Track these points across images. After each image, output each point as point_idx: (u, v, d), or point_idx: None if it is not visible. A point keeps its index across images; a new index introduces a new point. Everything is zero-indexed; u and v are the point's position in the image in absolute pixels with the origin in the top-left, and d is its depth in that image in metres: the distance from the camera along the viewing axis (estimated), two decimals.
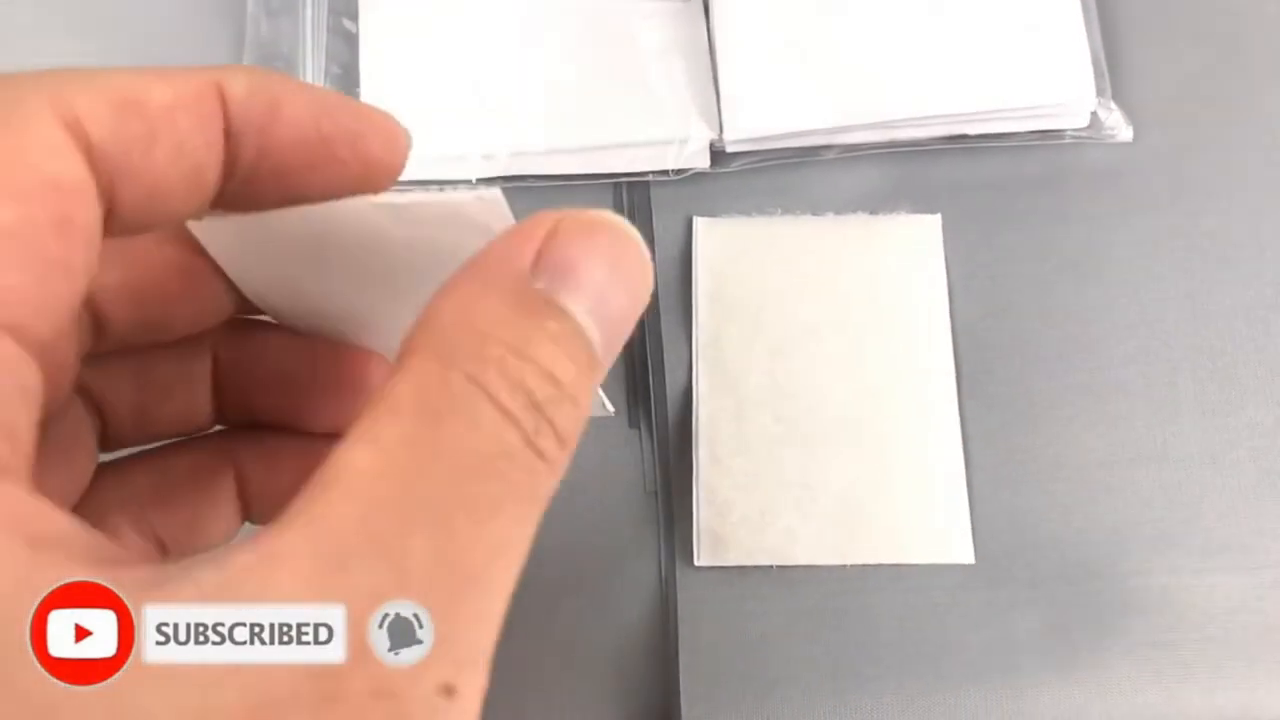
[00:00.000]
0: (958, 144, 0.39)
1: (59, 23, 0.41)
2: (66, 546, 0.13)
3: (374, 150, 0.18)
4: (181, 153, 0.17)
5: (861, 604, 0.36)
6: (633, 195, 0.39)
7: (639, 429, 0.37)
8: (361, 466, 0.14)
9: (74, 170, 0.15)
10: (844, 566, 0.35)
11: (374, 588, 0.13)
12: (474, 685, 0.14)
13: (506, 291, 0.16)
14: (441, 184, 0.38)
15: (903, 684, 0.35)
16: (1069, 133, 0.38)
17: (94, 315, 0.19)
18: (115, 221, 0.16)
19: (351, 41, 0.39)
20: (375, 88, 0.39)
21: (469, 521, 0.14)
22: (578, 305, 0.16)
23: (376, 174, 0.19)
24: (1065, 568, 0.36)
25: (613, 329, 0.16)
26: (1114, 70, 0.39)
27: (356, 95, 0.39)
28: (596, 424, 0.36)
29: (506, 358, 0.15)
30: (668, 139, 0.39)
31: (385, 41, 0.39)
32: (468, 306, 0.16)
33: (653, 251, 0.38)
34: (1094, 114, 0.38)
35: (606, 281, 0.16)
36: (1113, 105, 0.38)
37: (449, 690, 0.14)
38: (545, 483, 0.15)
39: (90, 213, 0.15)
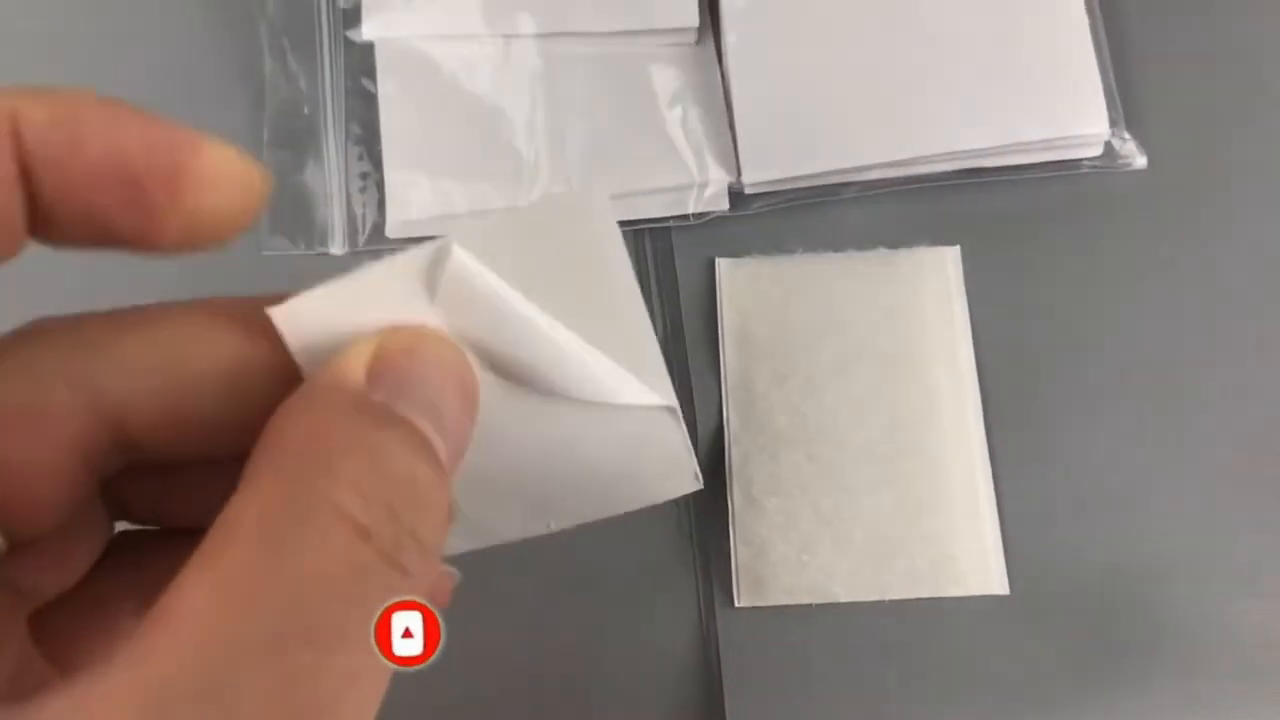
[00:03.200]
0: (974, 178, 0.39)
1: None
2: None
3: (204, 198, 0.16)
4: None
5: (899, 637, 0.36)
6: (655, 241, 0.40)
7: None
8: (195, 598, 0.13)
9: None
10: (881, 602, 0.36)
11: None
12: None
13: (349, 406, 0.15)
14: None
15: (941, 714, 0.35)
16: (1084, 163, 0.39)
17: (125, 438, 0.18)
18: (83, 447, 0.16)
19: (371, 101, 0.40)
20: (396, 145, 0.39)
21: (315, 651, 0.13)
22: (418, 413, 0.16)
23: (205, 225, 0.16)
24: (1098, 598, 0.36)
25: (454, 433, 0.16)
26: (1126, 100, 0.39)
27: (378, 154, 0.39)
28: None
29: (361, 471, 0.14)
30: (687, 184, 0.39)
31: (403, 100, 0.40)
32: (313, 423, 0.15)
33: (677, 295, 0.39)
34: (1108, 144, 0.39)
35: (439, 388, 0.16)
36: (1126, 135, 0.39)
37: None
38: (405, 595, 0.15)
39: None
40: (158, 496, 0.20)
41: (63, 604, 0.18)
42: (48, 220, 0.16)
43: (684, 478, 0.21)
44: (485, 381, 0.18)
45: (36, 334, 0.16)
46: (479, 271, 0.17)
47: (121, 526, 0.20)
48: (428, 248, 0.17)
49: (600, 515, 0.21)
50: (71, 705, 0.12)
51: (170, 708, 0.12)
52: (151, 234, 0.16)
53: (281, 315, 0.17)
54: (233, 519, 0.14)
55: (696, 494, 0.37)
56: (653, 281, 0.39)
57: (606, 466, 0.20)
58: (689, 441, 0.21)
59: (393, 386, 0.16)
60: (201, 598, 0.13)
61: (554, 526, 0.21)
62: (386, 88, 0.40)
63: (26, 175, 0.15)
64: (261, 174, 0.17)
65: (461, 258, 0.17)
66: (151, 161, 0.15)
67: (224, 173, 0.16)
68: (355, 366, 0.16)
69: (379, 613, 0.14)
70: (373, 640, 0.14)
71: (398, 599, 0.14)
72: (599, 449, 0.20)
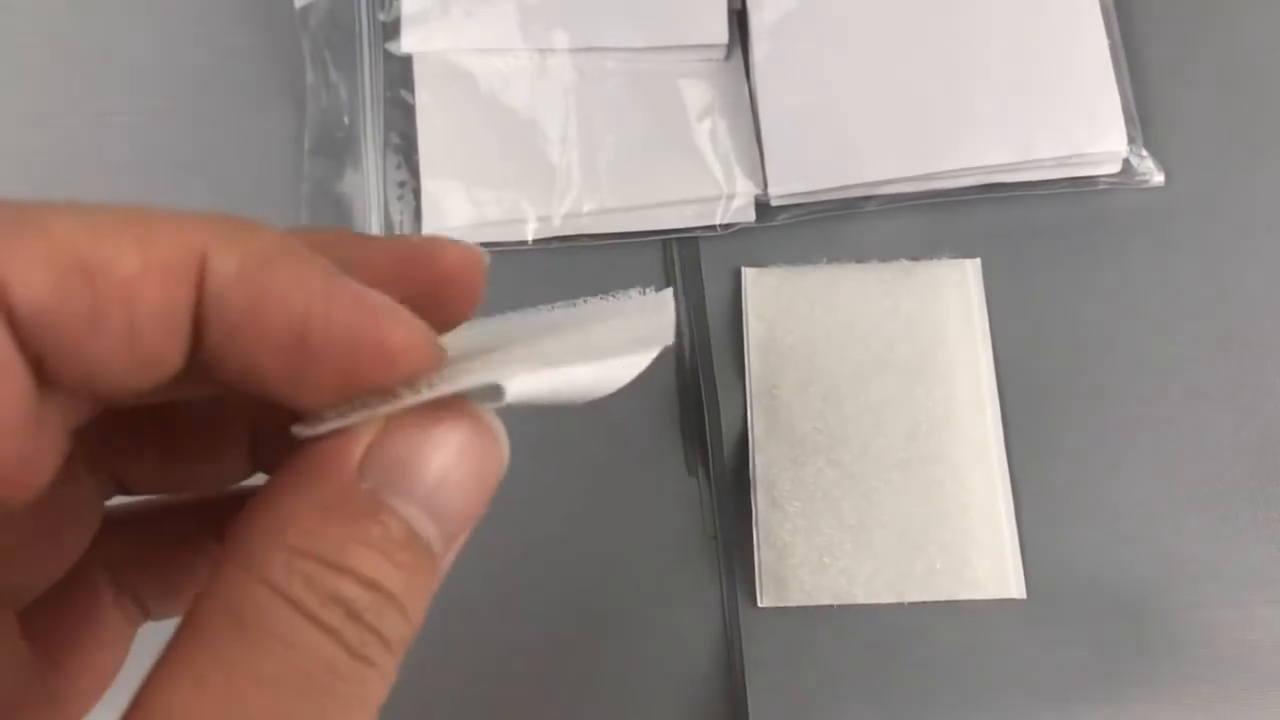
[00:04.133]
0: (995, 193, 0.40)
1: (115, 102, 0.43)
2: None
3: (376, 371, 0.15)
4: (134, 338, 0.14)
5: (918, 640, 0.37)
6: (682, 250, 0.41)
7: (697, 476, 0.38)
8: (170, 697, 0.13)
9: None
10: (900, 604, 0.37)
11: None
12: None
13: (326, 496, 0.15)
14: (500, 246, 0.40)
15: (958, 715, 0.36)
16: (1102, 180, 0.40)
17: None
18: (49, 394, 0.14)
19: (409, 112, 0.41)
20: (433, 155, 0.41)
21: None
22: (409, 505, 0.15)
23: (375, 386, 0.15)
24: (1114, 602, 0.37)
25: (453, 524, 0.15)
26: (1144, 118, 0.40)
27: (416, 163, 0.41)
28: (656, 472, 0.38)
29: (316, 570, 0.14)
30: (714, 195, 0.40)
31: (440, 111, 0.41)
32: (280, 515, 0.14)
33: (704, 304, 0.40)
34: (1126, 161, 0.40)
35: (445, 474, 0.15)
36: (1144, 152, 0.40)
37: None
38: (376, 688, 0.14)
39: (10, 388, 0.13)
40: (148, 460, 0.19)
41: (45, 596, 0.18)
42: (201, 366, 0.15)
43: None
44: None
45: None
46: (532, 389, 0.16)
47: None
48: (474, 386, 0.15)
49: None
50: None
51: None
52: (303, 395, 0.15)
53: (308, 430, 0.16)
54: (201, 613, 0.14)
55: (722, 498, 0.38)
56: (680, 290, 0.40)
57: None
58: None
59: (385, 471, 0.15)
60: (182, 701, 0.13)
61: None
62: (424, 99, 0.41)
63: (200, 325, 0.14)
64: (433, 337, 0.16)
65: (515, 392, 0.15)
66: (334, 332, 0.15)
67: (410, 343, 0.15)
68: (350, 448, 0.15)
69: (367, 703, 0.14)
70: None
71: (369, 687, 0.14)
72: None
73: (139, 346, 0.14)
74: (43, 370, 0.13)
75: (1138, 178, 0.40)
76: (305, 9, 0.42)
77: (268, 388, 0.15)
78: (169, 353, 0.14)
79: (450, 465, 0.15)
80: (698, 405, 0.39)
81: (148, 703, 0.13)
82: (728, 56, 0.42)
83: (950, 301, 0.40)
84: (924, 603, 0.37)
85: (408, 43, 0.41)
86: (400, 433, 0.15)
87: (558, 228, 0.40)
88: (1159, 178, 0.40)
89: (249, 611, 0.14)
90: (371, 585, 0.14)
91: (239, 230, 0.14)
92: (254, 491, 0.15)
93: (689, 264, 0.41)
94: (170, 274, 0.14)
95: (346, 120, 0.42)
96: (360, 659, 0.14)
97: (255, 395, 0.15)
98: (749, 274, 0.40)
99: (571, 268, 0.41)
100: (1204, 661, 0.36)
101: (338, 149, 0.41)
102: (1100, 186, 0.40)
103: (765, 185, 0.40)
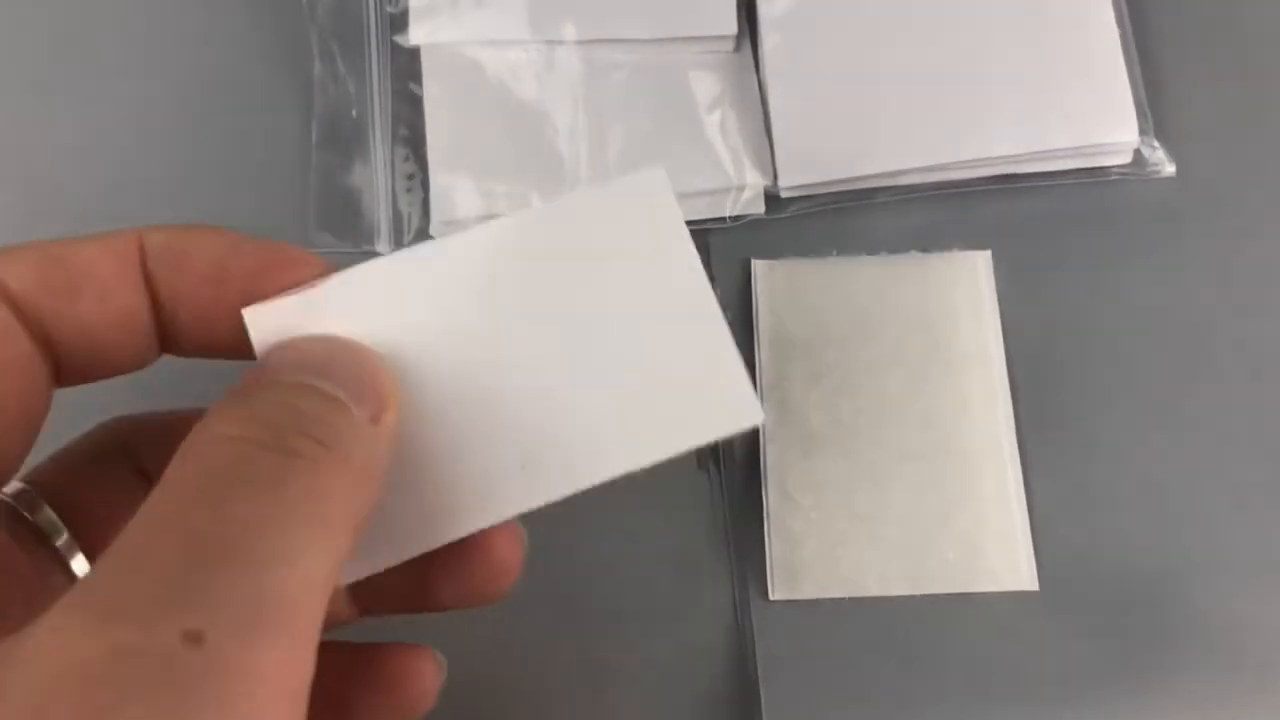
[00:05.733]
0: (1006, 184, 0.40)
1: (122, 96, 0.43)
2: None
3: (277, 283, 0.21)
4: (105, 297, 0.20)
5: (931, 632, 0.37)
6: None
7: (707, 469, 0.38)
8: (127, 532, 0.16)
9: None
10: (913, 596, 0.37)
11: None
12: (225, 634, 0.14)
13: (233, 391, 0.19)
14: None
15: (971, 709, 0.36)
16: (1113, 170, 0.40)
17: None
18: (66, 363, 0.20)
19: (417, 105, 0.41)
20: (441, 148, 0.40)
21: (211, 511, 0.16)
22: (304, 374, 0.19)
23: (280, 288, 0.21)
24: (1127, 593, 0.37)
25: (353, 376, 0.19)
26: (1156, 108, 0.40)
27: (424, 156, 0.40)
28: (666, 465, 0.38)
29: (235, 409, 0.18)
30: (724, 187, 0.40)
31: (448, 103, 0.41)
32: (216, 408, 0.18)
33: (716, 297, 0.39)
34: (1137, 152, 0.40)
35: (318, 356, 0.20)
36: (1156, 143, 0.40)
37: (195, 637, 0.14)
38: (310, 480, 0.17)
39: (15, 347, 0.19)
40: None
41: None
42: (174, 335, 0.21)
43: (744, 407, 0.21)
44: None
45: None
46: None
47: None
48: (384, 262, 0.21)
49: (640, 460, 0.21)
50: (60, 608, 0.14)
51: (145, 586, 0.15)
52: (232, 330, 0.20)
53: (251, 315, 0.20)
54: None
55: (733, 491, 0.38)
56: None
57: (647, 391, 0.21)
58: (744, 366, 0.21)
59: (276, 366, 0.19)
60: (133, 526, 0.16)
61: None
62: (432, 91, 0.41)
63: (150, 283, 0.20)
64: (319, 260, 0.22)
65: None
66: (239, 264, 0.21)
67: (298, 260, 0.21)
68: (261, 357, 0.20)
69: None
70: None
71: (314, 477, 0.17)
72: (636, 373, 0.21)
73: (111, 304, 0.20)
74: (46, 335, 0.19)
75: (1149, 169, 0.40)
76: (313, 1, 0.42)
77: (224, 341, 0.20)
78: (137, 308, 0.20)
79: (320, 350, 0.20)
80: None
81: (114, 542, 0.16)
82: (737, 48, 0.42)
83: (962, 293, 0.39)
84: (936, 594, 0.37)
85: (416, 35, 0.41)
86: (277, 347, 0.20)
87: None
88: (1170, 169, 0.40)
89: (191, 446, 0.17)
90: (278, 411, 0.18)
91: (161, 226, 0.21)
92: None
93: (699, 256, 0.40)
94: (117, 250, 0.20)
95: (354, 113, 0.41)
96: (279, 449, 0.17)
97: (211, 346, 0.21)
98: (759, 266, 0.40)
99: None
100: (1218, 654, 0.36)
101: (345, 142, 0.41)
102: (1112, 177, 0.40)
103: (775, 177, 0.40)
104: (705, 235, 0.41)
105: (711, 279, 0.40)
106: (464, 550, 0.22)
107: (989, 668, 0.36)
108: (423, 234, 0.40)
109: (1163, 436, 0.38)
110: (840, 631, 0.37)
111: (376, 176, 0.41)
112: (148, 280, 0.20)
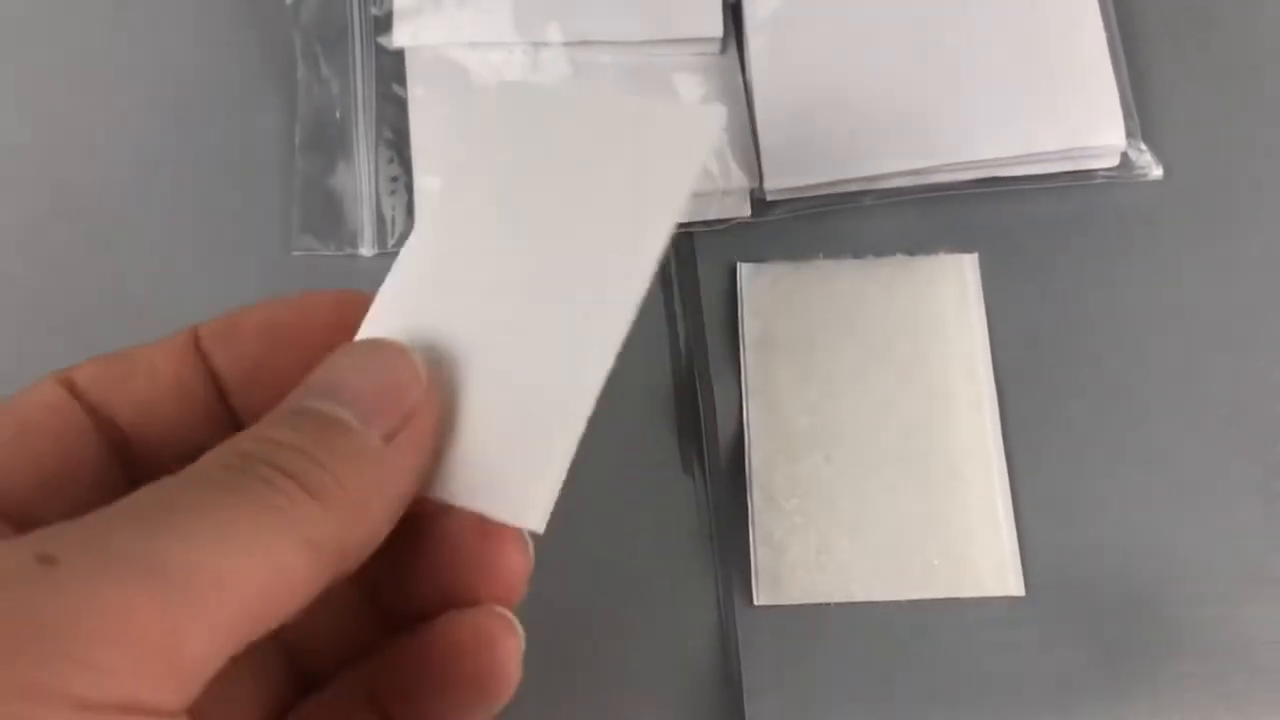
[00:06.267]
0: (992, 187, 0.40)
1: (106, 98, 0.42)
2: None
3: (321, 315, 0.23)
4: (155, 375, 0.22)
5: (916, 638, 0.36)
6: (677, 245, 0.40)
7: (692, 474, 0.38)
8: None
9: (51, 395, 0.21)
10: (898, 602, 0.36)
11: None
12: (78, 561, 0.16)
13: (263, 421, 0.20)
14: None
15: (957, 715, 0.36)
16: (1100, 174, 0.40)
17: None
18: (135, 440, 0.22)
19: (402, 106, 0.41)
20: (425, 150, 0.40)
21: (154, 494, 0.17)
22: (321, 400, 0.19)
23: (336, 335, 0.22)
24: (1113, 599, 0.37)
25: (365, 402, 0.20)
26: (1143, 111, 0.40)
27: (408, 158, 0.40)
28: (651, 470, 0.38)
29: (257, 431, 0.19)
30: (710, 190, 0.40)
31: (432, 106, 0.41)
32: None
33: (699, 299, 0.39)
34: (1124, 155, 0.40)
35: (343, 374, 0.20)
36: (1143, 146, 0.40)
37: (48, 559, 0.15)
38: (290, 513, 0.17)
39: (64, 420, 0.21)
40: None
41: None
42: (237, 406, 0.22)
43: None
44: None
45: None
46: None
47: None
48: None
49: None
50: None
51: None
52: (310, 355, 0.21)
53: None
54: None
55: (717, 495, 0.38)
56: (675, 285, 0.40)
57: None
58: None
59: (308, 386, 0.20)
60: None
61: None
62: (416, 93, 0.41)
63: (204, 355, 0.22)
64: (356, 294, 0.23)
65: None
66: (286, 315, 0.23)
67: (337, 299, 0.23)
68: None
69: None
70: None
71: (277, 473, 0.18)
72: None
73: (160, 379, 0.22)
74: (109, 417, 0.21)
75: (1136, 171, 0.40)
76: (296, 3, 0.42)
77: (273, 396, 0.20)
78: (189, 377, 0.22)
79: (346, 366, 0.20)
80: (693, 402, 0.38)
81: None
82: (723, 50, 0.42)
83: (947, 296, 0.39)
84: (922, 600, 0.36)
85: (400, 37, 0.41)
86: (320, 365, 0.20)
87: None
88: (1157, 172, 0.40)
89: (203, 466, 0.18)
90: (271, 440, 0.18)
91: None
92: None
93: (684, 259, 0.40)
94: (174, 340, 0.22)
95: (338, 115, 0.41)
96: (261, 479, 0.18)
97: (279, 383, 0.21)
98: (744, 269, 0.40)
99: None
100: (1204, 658, 0.36)
101: (329, 144, 0.41)
102: (1098, 180, 0.40)
103: (760, 180, 0.40)
104: (691, 238, 0.40)
105: (697, 282, 0.40)
106: (471, 556, 0.23)
107: (975, 673, 0.36)
108: (406, 237, 0.40)
109: (1149, 440, 0.38)
110: (825, 637, 0.37)
111: (360, 179, 0.41)
112: (202, 357, 0.22)
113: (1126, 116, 0.39)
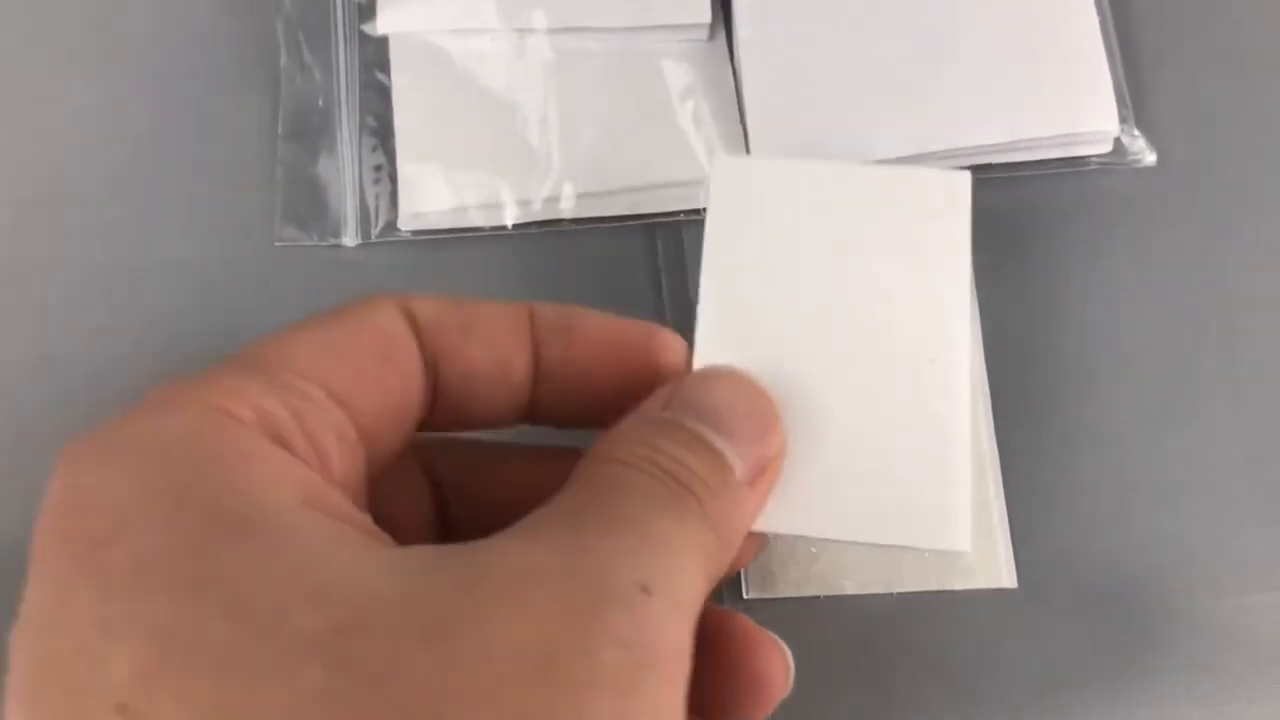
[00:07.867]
0: (983, 173, 0.39)
1: (89, 87, 0.42)
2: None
3: (664, 356, 0.23)
4: (492, 344, 0.22)
5: (909, 631, 0.36)
6: (665, 234, 0.40)
7: None
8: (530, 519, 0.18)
9: (399, 327, 0.21)
10: (890, 595, 0.36)
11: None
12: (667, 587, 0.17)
13: (644, 420, 0.21)
14: (479, 232, 0.39)
15: (949, 708, 0.35)
16: (1093, 160, 0.39)
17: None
18: (441, 401, 0.22)
19: (385, 94, 0.40)
20: (409, 139, 0.40)
21: (603, 523, 0.18)
22: (700, 424, 0.20)
23: (665, 374, 0.23)
24: (1106, 590, 0.36)
25: (741, 442, 0.20)
26: (1136, 97, 0.40)
27: (392, 147, 0.40)
28: None
29: (643, 448, 0.20)
30: (698, 178, 0.39)
31: (417, 94, 0.40)
32: (618, 432, 0.21)
33: (686, 288, 0.39)
34: (1117, 141, 0.39)
35: (722, 404, 0.21)
36: (1136, 132, 0.39)
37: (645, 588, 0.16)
38: (697, 529, 0.19)
39: (410, 362, 0.21)
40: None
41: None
42: (553, 379, 0.23)
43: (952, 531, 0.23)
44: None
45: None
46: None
47: None
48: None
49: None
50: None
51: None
52: (626, 386, 0.23)
53: (721, 165, 0.25)
54: (564, 490, 0.19)
55: None
56: (663, 275, 0.39)
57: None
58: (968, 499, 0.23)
59: (681, 406, 0.21)
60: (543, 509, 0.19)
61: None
62: (400, 81, 0.40)
63: (536, 344, 0.22)
64: (681, 341, 0.25)
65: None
66: (630, 335, 0.23)
67: (671, 339, 0.25)
68: (656, 401, 0.22)
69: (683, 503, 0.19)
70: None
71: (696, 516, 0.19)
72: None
73: (495, 351, 0.22)
74: (436, 367, 0.21)
75: (1130, 158, 0.39)
76: None
77: (596, 385, 0.23)
78: (518, 361, 0.22)
79: (725, 398, 0.21)
80: None
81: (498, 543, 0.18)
82: (711, 37, 0.41)
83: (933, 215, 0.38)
84: (914, 593, 0.36)
85: (384, 24, 0.40)
86: (691, 381, 0.22)
87: (538, 212, 0.39)
88: (1151, 158, 0.40)
89: (603, 476, 0.19)
90: (677, 462, 0.19)
91: (554, 303, 0.23)
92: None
93: (673, 248, 0.40)
94: (511, 310, 0.22)
95: (321, 103, 0.41)
96: (675, 494, 0.19)
97: (576, 417, 0.24)
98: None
99: (553, 253, 0.40)
100: (1200, 649, 0.35)
101: (312, 132, 0.40)
102: (1091, 167, 0.39)
103: None
104: (679, 227, 0.40)
105: (685, 273, 0.39)
106: (727, 662, 0.24)
107: (968, 666, 0.36)
108: (390, 227, 0.39)
109: (1144, 430, 0.38)
110: (816, 631, 0.36)
111: (343, 168, 0.40)
112: (535, 344, 0.22)
113: (1120, 102, 0.39)
